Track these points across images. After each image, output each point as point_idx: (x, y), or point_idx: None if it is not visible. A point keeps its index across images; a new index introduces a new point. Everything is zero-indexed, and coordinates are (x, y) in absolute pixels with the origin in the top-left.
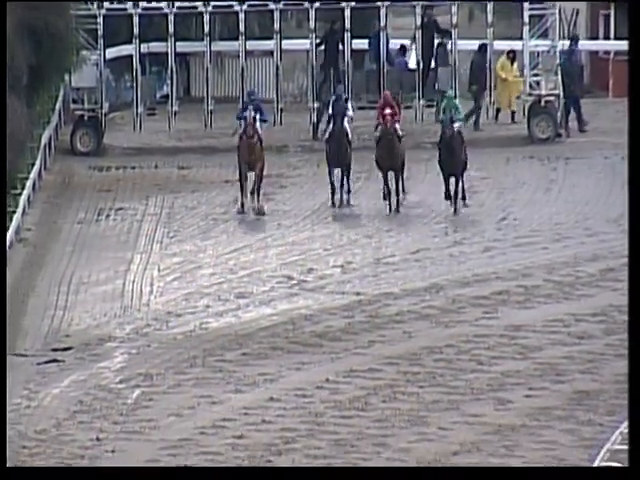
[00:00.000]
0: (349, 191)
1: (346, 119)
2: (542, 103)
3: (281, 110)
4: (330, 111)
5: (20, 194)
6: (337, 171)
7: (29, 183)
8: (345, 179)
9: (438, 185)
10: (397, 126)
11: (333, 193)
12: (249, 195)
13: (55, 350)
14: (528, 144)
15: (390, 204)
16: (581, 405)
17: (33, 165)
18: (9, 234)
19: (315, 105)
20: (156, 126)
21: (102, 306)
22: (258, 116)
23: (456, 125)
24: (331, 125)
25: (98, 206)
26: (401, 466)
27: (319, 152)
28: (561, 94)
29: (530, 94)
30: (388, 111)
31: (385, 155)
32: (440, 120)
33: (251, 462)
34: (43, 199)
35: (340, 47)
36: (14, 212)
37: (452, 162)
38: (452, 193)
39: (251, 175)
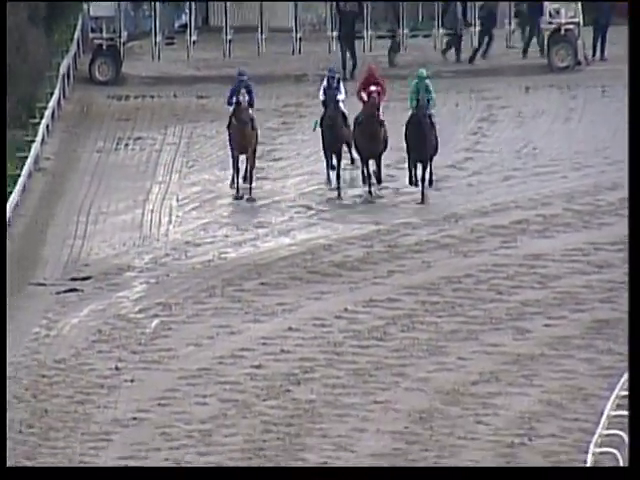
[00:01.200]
0: (338, 178)
1: (340, 104)
2: (562, 31)
3: (300, 39)
4: (322, 96)
5: (39, 123)
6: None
7: (48, 112)
8: (338, 166)
9: (458, 114)
10: (381, 108)
11: (334, 177)
12: (242, 181)
13: (74, 279)
14: (547, 73)
15: (370, 190)
16: (600, 334)
17: (52, 94)
18: (28, 163)
19: (334, 34)
20: (175, 55)
21: (121, 236)
22: (247, 99)
23: (427, 108)
24: (324, 110)
25: (117, 135)
26: (401, 466)
27: None
28: (581, 22)
29: (550, 22)
30: (374, 88)
31: (366, 141)
32: (411, 101)
33: (270, 392)
34: (62, 128)
35: None
36: (33, 141)
37: (422, 148)
38: (419, 179)
39: (243, 159)
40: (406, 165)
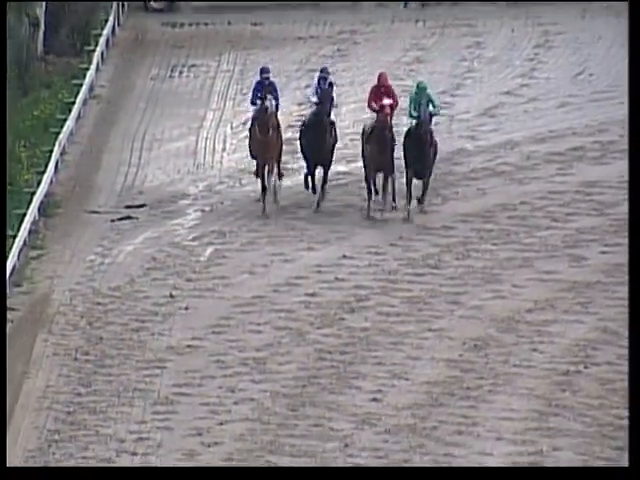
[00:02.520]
0: (322, 190)
1: (333, 109)
2: None
3: None
4: (314, 98)
5: (93, 51)
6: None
7: (102, 40)
8: (323, 178)
9: (514, 40)
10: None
11: (313, 189)
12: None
13: (129, 207)
14: None
15: (368, 208)
16: None
17: (106, 22)
18: (83, 91)
19: None
20: None
21: (175, 163)
22: (273, 102)
23: (429, 123)
24: (313, 111)
25: (171, 63)
26: (402, 466)
27: (393, 7)
28: None
29: None
30: (387, 101)
31: (376, 155)
32: (411, 115)
33: (324, 320)
34: (116, 56)
35: None
36: (87, 69)
37: (420, 166)
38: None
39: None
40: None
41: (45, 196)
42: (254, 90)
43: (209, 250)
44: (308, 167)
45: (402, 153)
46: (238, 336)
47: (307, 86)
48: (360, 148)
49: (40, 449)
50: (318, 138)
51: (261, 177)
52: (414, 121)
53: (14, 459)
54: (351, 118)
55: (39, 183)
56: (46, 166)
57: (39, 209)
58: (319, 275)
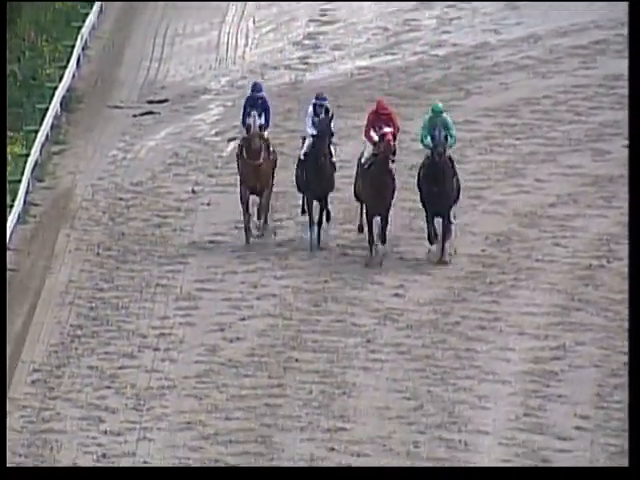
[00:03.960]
0: (319, 224)
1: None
2: None
3: None
4: (310, 129)
5: None
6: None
7: None
8: (325, 213)
9: None
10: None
11: (310, 222)
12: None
13: (151, 102)
14: None
15: (372, 250)
16: None
17: None
18: None
19: None
20: None
21: (197, 58)
22: (263, 121)
23: (445, 149)
24: (311, 143)
25: None
26: (402, 466)
27: None
28: None
29: None
30: (388, 129)
31: (374, 193)
32: (424, 142)
33: (345, 216)
34: None
35: None
36: None
37: (440, 200)
38: (439, 235)
39: (256, 199)
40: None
41: (67, 91)
42: (244, 108)
43: (231, 145)
44: (305, 202)
45: (418, 189)
46: (260, 231)
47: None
48: (353, 182)
49: (63, 344)
50: (317, 173)
51: (244, 204)
52: (428, 150)
53: (38, 355)
54: (373, 12)
55: (61, 78)
56: (68, 60)
57: (61, 104)
58: (342, 170)
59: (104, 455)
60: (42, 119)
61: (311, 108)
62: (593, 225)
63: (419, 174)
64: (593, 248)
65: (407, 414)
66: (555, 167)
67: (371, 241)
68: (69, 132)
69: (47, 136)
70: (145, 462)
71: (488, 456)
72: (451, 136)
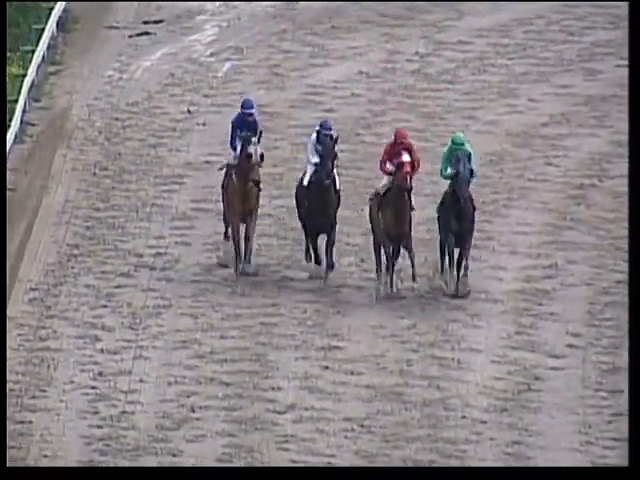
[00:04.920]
0: (332, 265)
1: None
2: None
3: None
4: (313, 158)
5: None
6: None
7: None
8: (329, 248)
9: None
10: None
11: (317, 261)
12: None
13: (146, 23)
14: None
15: (390, 282)
16: None
17: None
18: None
19: None
20: None
21: None
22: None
23: (468, 184)
24: (314, 171)
25: None
26: (403, 466)
27: None
28: None
29: None
30: (406, 158)
31: (392, 225)
32: (444, 175)
33: (340, 135)
34: None
35: None
36: None
37: (460, 235)
38: (455, 269)
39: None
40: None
41: (64, 11)
42: (233, 128)
43: (226, 66)
44: (309, 237)
45: (438, 222)
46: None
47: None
48: (368, 213)
49: (59, 263)
50: (321, 204)
51: (235, 236)
52: (450, 183)
53: (35, 273)
54: None
55: None
56: None
57: (58, 24)
58: (336, 91)
59: (100, 373)
60: (39, 39)
61: (314, 135)
62: (585, 144)
63: (439, 210)
64: (585, 167)
65: (400, 332)
66: (548, 87)
67: (380, 271)
68: (65, 52)
69: (44, 56)
70: (141, 380)
71: (480, 374)
72: (472, 171)
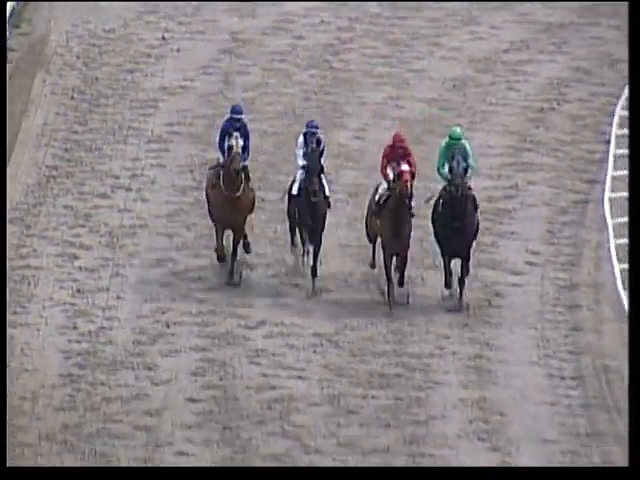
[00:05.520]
0: (315, 274)
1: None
2: None
3: None
4: (301, 160)
5: None
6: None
7: None
8: (313, 257)
9: None
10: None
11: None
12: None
13: None
14: None
15: (390, 298)
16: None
17: None
18: None
19: None
20: None
21: None
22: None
23: (466, 181)
24: (302, 179)
25: None
26: (404, 466)
27: None
28: None
29: None
30: (405, 167)
31: (391, 236)
32: (441, 173)
33: (310, 62)
34: None
35: None
36: None
37: (461, 236)
38: (457, 277)
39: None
40: None
41: None
42: (222, 133)
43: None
44: (294, 239)
45: (433, 226)
46: (227, 77)
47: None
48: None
49: (39, 184)
50: (311, 212)
51: (219, 245)
52: (446, 183)
53: (15, 194)
54: None
55: None
56: None
57: None
58: (305, 19)
59: (79, 290)
60: None
61: (302, 138)
62: (544, 70)
63: (435, 210)
64: (544, 92)
65: (367, 252)
66: (509, 14)
67: (389, 281)
68: None
69: None
70: (118, 297)
71: (443, 291)
72: (470, 166)
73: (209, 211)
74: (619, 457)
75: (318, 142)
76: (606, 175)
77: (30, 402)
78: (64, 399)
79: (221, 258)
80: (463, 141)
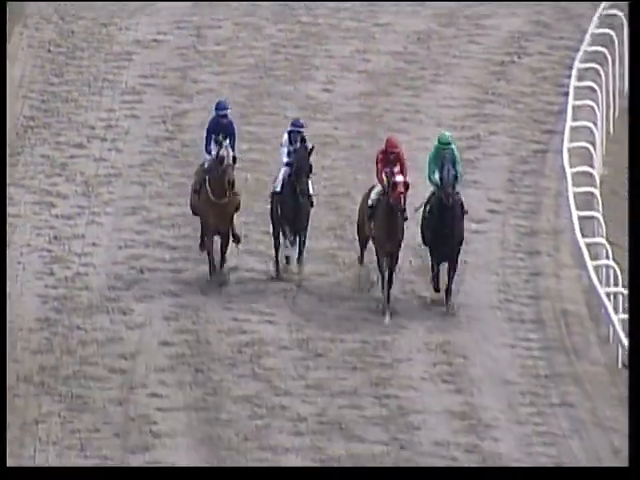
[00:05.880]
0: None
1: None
2: None
3: None
4: (285, 157)
5: None
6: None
7: None
8: (299, 246)
9: None
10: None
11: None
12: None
13: None
14: None
15: (388, 296)
16: None
17: None
18: None
19: None
20: None
21: None
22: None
23: (455, 187)
24: (287, 176)
25: None
26: (404, 466)
27: None
28: None
29: None
30: (399, 178)
31: (385, 239)
32: (431, 180)
33: (278, 16)
34: None
35: None
36: None
37: (449, 241)
38: (445, 283)
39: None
40: None
41: None
42: (208, 132)
43: None
44: (277, 238)
45: (421, 231)
46: (199, 31)
47: None
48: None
49: (17, 134)
50: (295, 210)
51: (208, 250)
52: (435, 188)
53: None
54: None
55: None
56: None
57: None
58: None
59: (56, 237)
60: None
61: (286, 136)
62: (505, 24)
63: (423, 216)
64: (505, 45)
65: (334, 200)
66: None
67: (384, 283)
68: None
69: None
70: (94, 244)
71: (413, 239)
72: (458, 172)
73: (200, 218)
74: (577, 398)
75: (303, 140)
76: (565, 126)
77: (8, 345)
78: (41, 342)
79: (211, 271)
80: (452, 146)
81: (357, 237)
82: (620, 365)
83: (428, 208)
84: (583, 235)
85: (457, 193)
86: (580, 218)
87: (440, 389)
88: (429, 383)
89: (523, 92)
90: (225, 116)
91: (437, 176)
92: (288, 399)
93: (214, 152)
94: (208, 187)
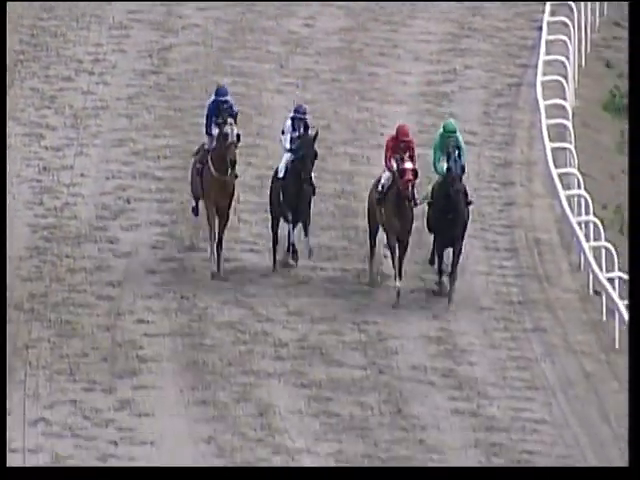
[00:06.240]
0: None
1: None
2: None
3: None
4: (287, 144)
5: None
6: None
7: None
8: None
9: None
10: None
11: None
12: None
13: None
14: None
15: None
16: None
17: None
18: None
19: None
20: None
21: None
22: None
23: (461, 174)
24: (291, 163)
25: None
26: (400, 466)
27: None
28: None
29: None
30: (409, 165)
31: (396, 222)
32: (437, 169)
33: None
34: None
35: None
36: None
37: (454, 229)
38: (447, 268)
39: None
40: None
41: None
42: (209, 115)
43: None
44: (276, 227)
45: (426, 218)
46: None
47: None
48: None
49: (7, 68)
50: (297, 196)
51: (211, 225)
52: (441, 173)
53: None
54: None
55: None
56: None
57: None
58: None
59: (45, 168)
60: None
61: (289, 122)
62: None
63: (431, 203)
64: None
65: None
66: None
67: (398, 267)
68: None
69: None
70: (82, 175)
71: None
72: (463, 155)
73: (203, 197)
74: (549, 323)
75: (306, 127)
76: (538, 60)
77: None
78: (31, 270)
79: (218, 241)
80: (457, 134)
81: (367, 224)
82: (591, 292)
83: (435, 195)
84: (556, 166)
85: (461, 179)
86: (553, 149)
87: (417, 315)
88: (406, 310)
89: (498, 27)
90: (226, 102)
91: (444, 166)
92: (270, 325)
93: (215, 132)
94: (211, 163)
